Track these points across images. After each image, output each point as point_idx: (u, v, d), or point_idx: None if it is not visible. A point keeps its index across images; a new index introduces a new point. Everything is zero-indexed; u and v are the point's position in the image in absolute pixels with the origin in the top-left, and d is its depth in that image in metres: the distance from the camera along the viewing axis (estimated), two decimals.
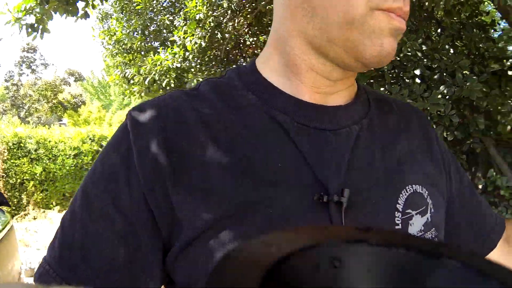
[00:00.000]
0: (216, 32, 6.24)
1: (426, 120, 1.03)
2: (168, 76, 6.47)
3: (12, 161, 12.07)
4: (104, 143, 13.42)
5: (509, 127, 5.27)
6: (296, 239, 0.43)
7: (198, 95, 0.84)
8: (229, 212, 0.72)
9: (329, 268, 0.42)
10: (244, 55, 7.41)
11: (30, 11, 5.32)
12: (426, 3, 5.93)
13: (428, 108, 4.81)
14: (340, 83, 0.86)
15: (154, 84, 6.79)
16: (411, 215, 0.83)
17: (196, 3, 6.21)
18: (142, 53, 7.98)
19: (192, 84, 6.36)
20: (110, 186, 0.76)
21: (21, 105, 32.63)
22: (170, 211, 0.74)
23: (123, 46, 8.26)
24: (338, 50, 0.78)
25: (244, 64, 0.95)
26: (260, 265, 0.37)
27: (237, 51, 7.35)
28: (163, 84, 6.48)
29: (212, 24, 6.24)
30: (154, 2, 8.10)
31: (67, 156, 12.82)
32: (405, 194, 0.84)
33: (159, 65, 6.53)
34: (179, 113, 0.79)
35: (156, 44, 8.27)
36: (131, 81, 7.60)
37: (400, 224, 0.80)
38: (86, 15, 5.72)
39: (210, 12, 6.25)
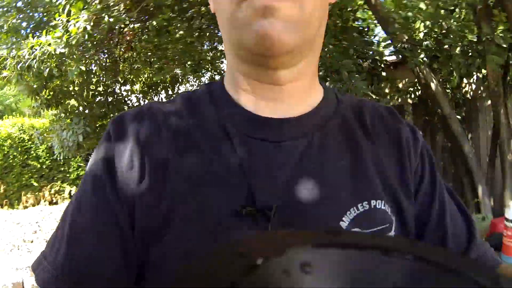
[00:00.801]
0: (104, 15, 5.71)
1: (407, 132, 0.98)
2: (49, 62, 5.84)
3: None
4: None
5: None
6: (265, 245, 0.47)
7: (172, 106, 0.92)
8: (173, 210, 0.79)
9: (300, 273, 0.43)
10: (119, 42, 7.02)
11: None
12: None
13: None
14: (286, 89, 0.87)
15: (28, 71, 6.16)
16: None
17: None
18: (12, 34, 7.23)
19: (75, 73, 6.02)
20: (97, 183, 0.84)
21: None
22: (133, 205, 0.82)
23: None
24: (241, 52, 0.85)
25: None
26: (228, 273, 0.39)
27: (115, 38, 6.96)
28: (44, 73, 5.86)
29: (99, 6, 5.76)
30: None
31: None
32: (355, 212, 0.83)
33: (38, 50, 5.87)
34: (151, 122, 0.88)
35: (28, 26, 7.55)
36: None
37: None
38: None
39: None
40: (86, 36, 5.74)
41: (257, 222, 0.78)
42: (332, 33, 6.04)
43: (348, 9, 6.35)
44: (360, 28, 6.51)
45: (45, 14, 7.21)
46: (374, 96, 6.02)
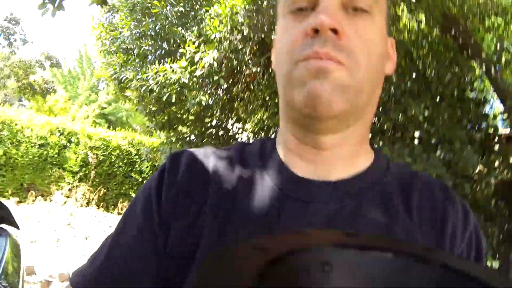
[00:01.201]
0: (231, 56, 5.95)
1: (457, 214, 0.92)
2: (170, 89, 6.12)
3: None
4: (73, 139, 13.06)
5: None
6: (286, 243, 0.46)
7: (226, 155, 0.96)
8: (198, 246, 0.82)
9: (320, 272, 0.43)
10: (239, 82, 7.19)
11: None
12: (431, 74, 6.37)
13: (428, 169, 5.12)
14: (328, 154, 0.88)
15: (149, 94, 6.48)
16: None
17: (218, 23, 5.97)
18: (141, 58, 7.62)
19: (195, 101, 6.25)
20: (145, 199, 0.90)
21: None
22: (167, 236, 0.86)
23: (122, 45, 7.90)
24: (292, 112, 0.88)
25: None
26: (249, 269, 0.38)
27: (235, 78, 7.13)
28: (164, 98, 6.14)
29: (229, 48, 6.00)
30: (167, 9, 7.80)
31: (32, 145, 12.32)
32: None
33: (162, 76, 6.17)
34: (202, 167, 0.92)
35: (156, 53, 7.93)
36: (122, 84, 7.30)
37: None
38: (104, 2, 5.37)
39: (228, 35, 6.03)
40: (212, 72, 5.99)
41: None
42: (447, 102, 6.00)
43: (466, 79, 6.28)
44: (477, 99, 6.34)
45: (173, 45, 7.52)
46: (483, 169, 5.82)
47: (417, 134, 5.69)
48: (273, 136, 1.03)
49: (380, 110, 5.94)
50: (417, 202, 0.89)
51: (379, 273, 0.45)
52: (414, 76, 6.28)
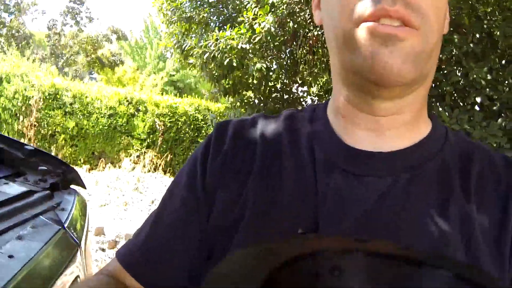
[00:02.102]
0: (288, 20, 5.99)
1: None
2: (230, 55, 6.24)
3: (46, 111, 12.03)
4: (141, 107, 13.41)
5: None
6: (295, 248, 0.47)
7: (274, 123, 0.94)
8: (243, 217, 0.81)
9: (329, 276, 0.44)
10: (302, 45, 7.21)
11: None
12: (497, 33, 5.93)
13: (487, 137, 5.03)
14: (386, 121, 0.81)
15: (212, 61, 6.61)
16: None
17: None
18: (201, 26, 7.76)
19: (255, 67, 6.38)
20: (191, 170, 0.92)
21: (60, 55, 32.76)
22: (211, 208, 0.87)
23: (183, 15, 8.06)
24: (350, 75, 0.79)
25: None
26: (260, 272, 0.39)
27: (298, 41, 7.12)
28: (224, 63, 6.26)
29: (285, 11, 6.01)
30: None
31: (102, 115, 12.74)
32: None
33: (222, 42, 6.31)
34: (249, 135, 0.92)
35: (217, 20, 8.06)
36: (185, 52, 7.44)
37: None
38: None
39: None
40: (269, 37, 6.05)
41: None
42: None
43: None
44: None
45: (233, 11, 7.67)
46: None
47: (478, 99, 5.38)
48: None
49: (440, 73, 5.71)
50: (476, 178, 0.81)
51: (389, 278, 0.45)
52: (477, 36, 5.94)
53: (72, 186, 2.58)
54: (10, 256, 1.49)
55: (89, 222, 2.30)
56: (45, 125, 11.90)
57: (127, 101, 13.33)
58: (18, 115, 11.61)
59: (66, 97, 12.33)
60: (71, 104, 12.38)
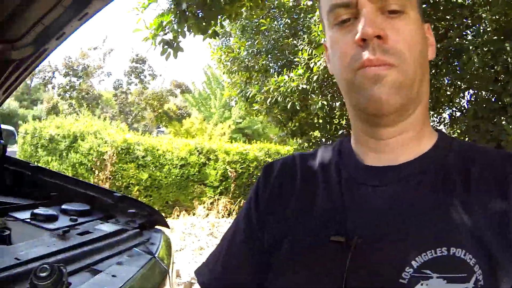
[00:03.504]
0: None
1: None
2: (292, 97, 6.50)
3: (120, 165, 12.51)
4: (211, 156, 13.73)
5: None
6: None
7: (310, 157, 1.17)
8: (276, 238, 1.05)
9: None
10: None
11: (166, 28, 5.49)
12: None
13: None
14: (390, 143, 1.02)
15: (275, 105, 6.87)
16: (429, 276, 0.85)
17: None
18: (262, 73, 8.08)
19: (317, 106, 6.53)
20: (247, 208, 1.16)
21: (128, 112, 33.90)
22: (263, 228, 1.09)
23: (242, 64, 8.40)
24: (358, 112, 1.02)
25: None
26: None
27: None
28: (288, 106, 6.52)
29: None
30: (275, 24, 8.22)
31: (174, 166, 13.11)
32: (432, 254, 0.86)
33: (282, 86, 6.60)
34: (290, 170, 1.15)
35: (276, 65, 8.35)
36: (249, 100, 7.72)
37: (406, 279, 0.85)
38: (215, 34, 5.87)
39: None
40: (326, 74, 6.23)
41: (343, 250, 0.92)
42: None
43: None
44: None
45: (290, 55, 7.90)
46: None
47: None
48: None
49: (498, 85, 5.71)
50: (477, 174, 0.94)
51: None
52: None
53: (157, 227, 2.91)
54: (113, 276, 1.82)
55: None
56: (120, 178, 12.37)
57: (198, 151, 13.68)
58: (93, 169, 12.17)
59: (138, 151, 12.81)
60: (143, 157, 12.83)
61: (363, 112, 0.99)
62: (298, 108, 6.62)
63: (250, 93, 7.34)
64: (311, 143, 8.17)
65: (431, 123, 9.13)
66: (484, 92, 6.24)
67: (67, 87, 33.03)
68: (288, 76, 6.60)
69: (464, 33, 6.76)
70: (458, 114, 8.14)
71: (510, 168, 0.93)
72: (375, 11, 0.93)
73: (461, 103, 8.06)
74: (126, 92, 35.14)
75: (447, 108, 8.61)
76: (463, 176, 0.95)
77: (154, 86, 35.88)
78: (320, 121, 7.82)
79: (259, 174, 1.22)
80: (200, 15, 5.48)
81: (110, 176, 12.13)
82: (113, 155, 12.30)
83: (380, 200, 0.96)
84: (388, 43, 0.91)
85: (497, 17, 6.13)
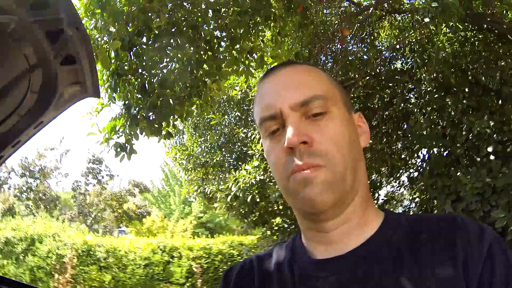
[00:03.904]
0: None
1: (468, 237, 0.96)
2: (251, 190, 6.54)
3: (81, 267, 12.30)
4: (175, 254, 13.55)
5: None
6: None
7: (267, 257, 1.20)
8: None
9: None
10: None
11: (119, 132, 5.53)
12: (483, 78, 6.32)
13: (511, 182, 5.01)
14: (334, 234, 1.05)
15: (235, 200, 6.88)
16: None
17: None
18: (218, 168, 8.13)
19: (276, 194, 6.58)
20: None
21: (87, 213, 33.28)
22: None
23: (197, 161, 8.44)
24: (299, 212, 1.09)
25: None
26: None
27: None
28: (248, 199, 6.54)
29: None
30: (226, 117, 8.34)
31: (137, 266, 12.91)
32: None
33: (242, 181, 6.65)
34: (248, 273, 1.17)
35: (230, 158, 8.42)
36: (207, 196, 7.72)
37: None
38: (169, 135, 5.93)
39: None
40: None
41: None
42: (511, 99, 5.85)
43: None
44: None
45: (243, 148, 8.03)
46: None
47: (490, 149, 5.57)
48: None
49: (446, 139, 6.00)
50: (426, 244, 0.98)
51: None
52: (467, 90, 6.24)
53: None
54: None
55: None
56: (81, 281, 12.09)
57: (161, 249, 13.50)
58: (53, 273, 11.88)
59: (99, 252, 12.65)
60: (105, 258, 12.64)
61: (303, 212, 1.07)
62: (258, 200, 6.62)
63: (208, 190, 7.34)
64: (273, 231, 8.17)
65: (391, 189, 9.20)
66: (435, 149, 6.47)
67: (24, 188, 32.41)
68: (246, 170, 6.63)
69: (407, 97, 7.13)
70: (416, 174, 8.33)
71: (456, 233, 0.98)
72: (299, 118, 1.01)
73: (417, 163, 8.29)
74: (85, 193, 34.63)
75: (404, 171, 8.84)
76: (411, 250, 0.99)
77: (112, 186, 35.49)
78: (280, 207, 7.89)
79: (225, 267, 1.29)
80: (151, 118, 5.59)
81: (71, 280, 11.87)
82: (73, 258, 12.11)
83: None
84: (313, 146, 0.98)
85: (434, 75, 6.50)
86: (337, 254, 1.03)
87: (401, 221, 1.07)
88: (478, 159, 5.76)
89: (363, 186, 1.09)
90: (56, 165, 34.51)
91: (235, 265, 1.24)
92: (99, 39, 5.06)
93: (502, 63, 6.32)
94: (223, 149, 8.23)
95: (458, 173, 5.62)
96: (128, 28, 5.08)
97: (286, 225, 8.16)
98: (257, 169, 6.59)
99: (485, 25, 6.41)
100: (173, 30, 5.19)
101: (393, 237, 1.03)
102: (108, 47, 4.93)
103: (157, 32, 5.22)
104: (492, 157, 5.55)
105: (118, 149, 5.48)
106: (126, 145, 5.53)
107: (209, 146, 8.34)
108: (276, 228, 8.25)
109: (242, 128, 8.14)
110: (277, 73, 1.11)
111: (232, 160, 8.41)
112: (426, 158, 7.13)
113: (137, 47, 5.31)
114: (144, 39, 5.36)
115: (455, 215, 1.05)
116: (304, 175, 0.97)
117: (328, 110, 1.02)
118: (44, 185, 33.55)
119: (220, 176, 7.66)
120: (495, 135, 5.58)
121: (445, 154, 6.39)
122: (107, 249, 12.83)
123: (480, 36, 6.98)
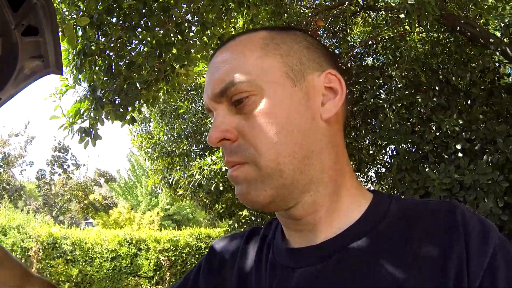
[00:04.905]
0: None
1: (467, 236, 0.80)
2: (216, 179, 6.48)
3: (47, 261, 12.09)
4: (142, 246, 13.45)
5: None
6: None
7: (244, 236, 1.16)
8: None
9: None
10: None
11: (83, 116, 5.41)
12: (453, 78, 6.42)
13: (478, 179, 5.16)
14: (304, 222, 0.94)
15: (199, 189, 6.82)
16: None
17: None
18: (183, 157, 8.05)
19: None
20: (190, 276, 1.18)
21: (53, 204, 32.92)
22: None
23: (163, 150, 8.36)
24: None
25: None
26: None
27: None
28: (212, 188, 6.49)
29: None
30: (193, 106, 8.26)
31: (104, 259, 12.77)
32: None
33: (205, 169, 6.57)
34: (228, 247, 1.16)
35: (197, 149, 8.36)
36: (173, 186, 7.66)
37: None
38: (133, 120, 5.83)
39: None
40: None
41: None
42: (479, 102, 5.97)
43: (490, 69, 6.21)
44: (506, 86, 6.21)
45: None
46: None
47: (458, 146, 5.64)
48: None
49: (416, 135, 6.10)
50: (410, 248, 0.83)
51: None
52: (438, 88, 6.37)
53: None
54: None
55: None
56: (48, 275, 11.86)
57: (128, 241, 13.38)
58: None
59: (65, 245, 12.41)
60: (71, 251, 12.42)
61: None
62: (222, 189, 6.57)
63: (173, 179, 7.26)
64: (241, 223, 8.13)
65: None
66: (404, 145, 6.61)
67: None
68: (211, 159, 6.55)
69: (378, 93, 7.18)
70: (383, 170, 8.37)
71: (452, 233, 0.81)
72: (225, 109, 0.91)
73: (385, 159, 8.36)
74: (50, 183, 34.21)
75: (371, 166, 8.90)
76: (394, 247, 0.84)
77: (79, 176, 35.14)
78: None
79: (193, 260, 1.24)
80: (117, 102, 5.45)
81: (37, 274, 11.66)
82: (38, 251, 11.89)
83: (298, 284, 0.89)
84: (234, 143, 0.89)
85: (405, 73, 6.65)
86: (309, 244, 0.93)
87: (391, 209, 0.92)
88: (446, 156, 5.85)
89: (333, 172, 0.92)
90: (21, 152, 33.94)
91: (219, 239, 1.24)
92: (67, 13, 4.88)
93: (473, 65, 6.39)
94: (189, 139, 8.12)
95: (427, 169, 5.71)
96: (99, 6, 4.94)
97: (253, 218, 8.20)
98: (223, 159, 6.48)
99: (458, 27, 6.39)
100: (143, 10, 5.05)
101: (374, 230, 0.88)
102: (75, 24, 4.78)
103: (127, 12, 5.08)
104: (460, 154, 5.65)
105: (83, 134, 5.34)
106: (91, 130, 5.39)
107: (176, 135, 8.21)
108: (243, 220, 8.29)
109: (210, 118, 8.03)
110: (212, 59, 0.98)
111: (198, 150, 8.29)
112: (394, 154, 7.27)
113: (106, 26, 5.15)
114: (114, 20, 5.21)
115: (455, 205, 0.86)
116: (231, 172, 0.90)
117: (252, 92, 0.87)
118: (8, 174, 33.03)
119: (186, 165, 7.56)
120: (463, 133, 5.67)
121: (413, 150, 6.48)
122: (73, 241, 12.61)
123: (452, 38, 7.03)
